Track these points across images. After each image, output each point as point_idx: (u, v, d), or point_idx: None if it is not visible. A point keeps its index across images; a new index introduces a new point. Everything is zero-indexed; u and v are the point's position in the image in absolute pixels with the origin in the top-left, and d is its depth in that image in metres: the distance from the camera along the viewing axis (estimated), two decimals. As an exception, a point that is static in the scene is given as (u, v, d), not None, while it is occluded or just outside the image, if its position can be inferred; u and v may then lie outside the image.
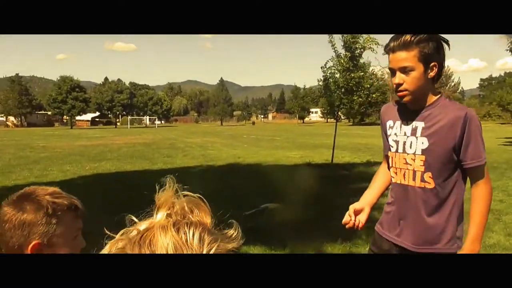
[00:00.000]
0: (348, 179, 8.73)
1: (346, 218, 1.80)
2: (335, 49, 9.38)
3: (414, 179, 1.67)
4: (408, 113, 1.70)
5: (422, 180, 1.65)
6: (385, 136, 1.83)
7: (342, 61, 8.90)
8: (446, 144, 1.60)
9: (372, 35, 8.84)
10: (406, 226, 1.72)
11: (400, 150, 1.71)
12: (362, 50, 8.85)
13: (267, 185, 7.98)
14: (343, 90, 9.28)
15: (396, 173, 1.75)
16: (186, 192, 0.62)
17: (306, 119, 73.43)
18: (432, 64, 1.56)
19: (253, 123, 73.19)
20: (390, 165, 1.79)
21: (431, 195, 1.65)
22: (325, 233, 4.53)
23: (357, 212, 1.80)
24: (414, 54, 1.53)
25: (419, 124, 1.65)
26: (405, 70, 1.57)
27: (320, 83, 9.76)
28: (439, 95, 1.66)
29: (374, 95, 9.95)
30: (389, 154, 1.79)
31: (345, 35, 8.99)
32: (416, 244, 1.70)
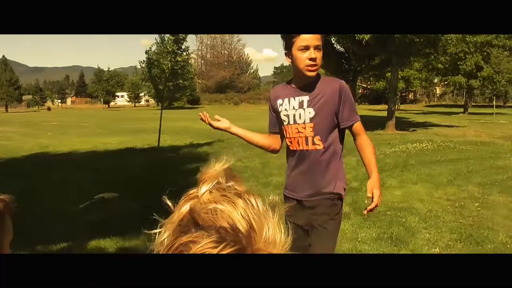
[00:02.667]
0: (177, 161, 8.84)
1: (203, 116, 2.17)
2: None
3: (307, 144, 2.02)
4: (293, 91, 2.05)
5: (313, 143, 2.00)
6: (274, 113, 2.15)
7: (167, 44, 8.82)
8: (329, 110, 1.98)
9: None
10: (309, 183, 2.04)
11: (292, 122, 2.05)
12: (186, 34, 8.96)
13: (96, 174, 7.34)
14: (167, 73, 9.24)
15: (291, 142, 2.08)
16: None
17: (112, 103, 68.61)
18: (285, 53, 2.00)
19: (49, 108, 63.72)
20: (285, 136, 2.11)
21: (322, 155, 2.01)
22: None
23: (216, 120, 2.18)
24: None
25: (304, 98, 2.00)
26: None
27: (143, 65, 9.44)
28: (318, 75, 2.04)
29: (199, 81, 10.24)
30: (283, 127, 2.11)
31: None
32: (317, 194, 2.01)
